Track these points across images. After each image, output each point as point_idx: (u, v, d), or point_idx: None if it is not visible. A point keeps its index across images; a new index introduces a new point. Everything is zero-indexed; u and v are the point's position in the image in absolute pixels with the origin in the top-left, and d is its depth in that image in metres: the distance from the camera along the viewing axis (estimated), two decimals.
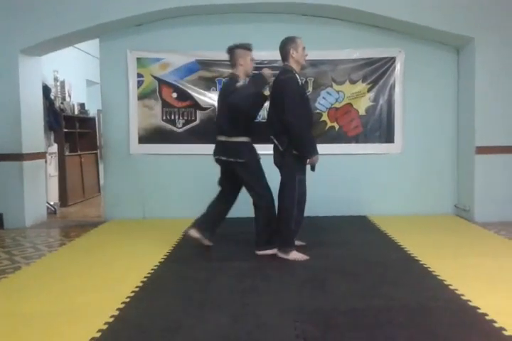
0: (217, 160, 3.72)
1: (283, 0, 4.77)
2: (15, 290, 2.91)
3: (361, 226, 4.76)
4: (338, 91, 5.21)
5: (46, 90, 5.76)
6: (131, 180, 5.26)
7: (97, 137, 7.73)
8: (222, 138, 3.65)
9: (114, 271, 3.29)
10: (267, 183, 3.61)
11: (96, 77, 6.01)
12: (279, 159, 3.54)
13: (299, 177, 3.50)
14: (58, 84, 6.71)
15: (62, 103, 6.66)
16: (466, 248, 3.84)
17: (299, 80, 3.51)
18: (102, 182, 7.14)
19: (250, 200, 3.65)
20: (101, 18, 4.81)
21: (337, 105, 5.23)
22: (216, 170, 5.00)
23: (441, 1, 4.79)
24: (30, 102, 5.09)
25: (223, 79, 5.19)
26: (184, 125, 5.25)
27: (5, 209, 4.93)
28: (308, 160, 3.48)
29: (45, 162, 5.68)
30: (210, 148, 5.12)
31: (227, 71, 5.14)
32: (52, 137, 6.09)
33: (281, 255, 3.51)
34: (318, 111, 5.17)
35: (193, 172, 5.24)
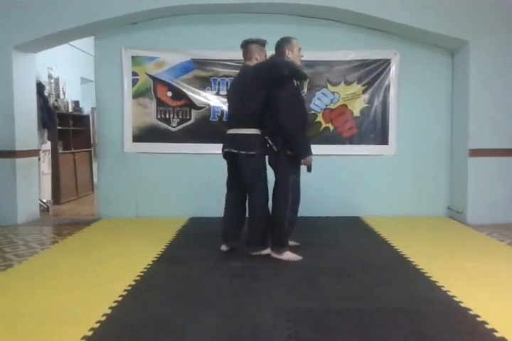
0: (227, 154, 3.59)
1: (279, 0, 4.77)
2: (6, 288, 2.90)
3: (355, 227, 4.77)
4: (333, 93, 5.23)
5: (40, 87, 5.72)
6: (124, 179, 5.24)
7: (91, 135, 7.70)
8: (235, 131, 3.54)
9: (107, 270, 3.27)
10: (266, 183, 3.58)
11: (90, 74, 5.99)
12: (273, 159, 3.54)
13: (293, 177, 3.50)
14: (52, 81, 6.68)
15: (56, 100, 6.63)
16: (459, 249, 3.86)
17: (294, 81, 3.51)
18: (95, 180, 7.12)
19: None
20: (96, 16, 4.79)
21: (332, 106, 5.24)
22: (210, 169, 5.04)
23: (437, 4, 4.81)
24: (23, 99, 5.06)
25: (218, 79, 5.20)
26: (179, 124, 5.24)
27: None
28: (302, 161, 3.48)
29: (39, 159, 5.65)
30: (204, 148, 5.21)
31: (223, 70, 5.18)
32: (45, 134, 6.05)
33: (274, 255, 3.51)
34: (313, 111, 5.17)
35: (187, 171, 5.24)
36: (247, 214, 3.67)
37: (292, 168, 3.50)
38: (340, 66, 5.20)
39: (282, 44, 3.57)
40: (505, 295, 2.76)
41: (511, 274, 3.18)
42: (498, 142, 4.92)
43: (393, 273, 3.19)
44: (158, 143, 5.24)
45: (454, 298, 2.67)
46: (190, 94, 5.20)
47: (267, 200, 3.58)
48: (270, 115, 3.47)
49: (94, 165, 6.93)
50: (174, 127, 5.24)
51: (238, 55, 4.86)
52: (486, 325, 2.30)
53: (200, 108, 5.22)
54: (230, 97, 3.75)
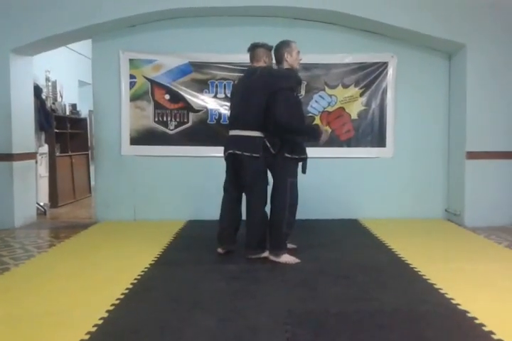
0: (229, 156, 3.56)
1: (277, 4, 4.78)
2: (3, 292, 2.88)
3: (352, 229, 4.77)
4: (330, 95, 5.23)
5: (37, 90, 5.72)
6: (122, 182, 5.24)
7: (89, 138, 7.69)
8: (238, 133, 3.52)
9: (104, 273, 3.26)
10: (266, 185, 3.57)
11: (88, 77, 5.98)
12: (271, 162, 3.54)
13: (291, 180, 3.50)
14: (50, 84, 6.68)
15: (53, 103, 6.63)
16: (456, 252, 3.86)
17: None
18: (92, 183, 7.10)
19: (243, 203, 3.65)
20: (94, 19, 4.79)
21: (329, 109, 5.25)
22: (208, 172, 5.05)
23: (434, 8, 4.83)
24: (21, 102, 5.05)
25: (216, 82, 5.20)
26: (176, 127, 5.24)
27: None
28: (320, 140, 3.60)
29: (36, 162, 5.64)
30: (202, 150, 5.22)
31: (220, 73, 5.18)
32: (43, 137, 6.04)
33: (272, 258, 3.51)
34: (310, 114, 5.18)
35: (184, 174, 5.23)
36: (243, 217, 3.67)
37: (290, 171, 3.50)
38: (338, 69, 5.22)
39: (281, 47, 3.57)
40: (502, 297, 2.76)
41: (509, 276, 3.18)
42: (495, 144, 4.94)
43: (391, 276, 3.19)
44: (155, 146, 5.24)
45: (452, 301, 2.67)
46: (187, 97, 5.20)
47: (266, 202, 3.58)
48: (268, 117, 3.48)
49: (92, 168, 6.92)
50: (172, 130, 5.24)
51: (236, 57, 4.93)
52: (484, 328, 2.30)
53: (197, 111, 5.22)
54: (235, 98, 3.72)
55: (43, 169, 6.31)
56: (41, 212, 5.76)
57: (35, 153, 5.63)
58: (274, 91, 3.42)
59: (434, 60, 5.25)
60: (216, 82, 5.21)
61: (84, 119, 7.70)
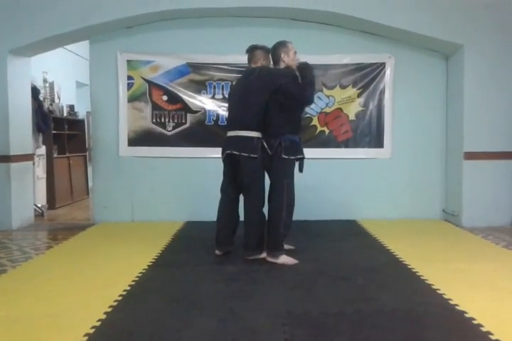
0: (227, 156, 3.55)
1: (274, 5, 4.79)
2: (0, 294, 2.87)
3: (350, 230, 4.77)
4: (328, 96, 5.24)
5: (35, 91, 5.70)
6: (120, 183, 5.23)
7: (86, 139, 7.68)
8: (236, 133, 3.51)
9: (102, 275, 3.25)
10: (263, 186, 3.56)
11: (86, 78, 5.98)
12: (268, 163, 3.54)
13: (288, 180, 3.50)
14: (47, 85, 6.67)
15: (51, 104, 6.62)
16: (454, 252, 3.86)
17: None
18: (90, 184, 7.09)
19: (240, 204, 3.65)
20: (91, 20, 4.78)
21: (327, 110, 5.25)
22: (206, 173, 5.04)
23: (431, 8, 4.83)
24: (18, 103, 5.04)
25: (213, 83, 5.20)
26: (174, 128, 5.23)
27: None
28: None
29: (33, 164, 5.62)
30: (200, 151, 5.21)
31: (218, 74, 5.18)
32: (40, 139, 6.03)
33: (270, 259, 3.51)
34: (308, 115, 5.18)
35: (182, 175, 5.23)
36: (241, 218, 3.67)
37: (287, 171, 3.50)
38: (335, 70, 5.22)
39: (278, 48, 3.58)
40: (500, 297, 2.77)
41: (507, 276, 3.18)
42: (493, 145, 4.94)
43: (389, 276, 3.19)
44: (153, 147, 5.23)
45: (450, 301, 2.67)
46: (185, 98, 5.20)
47: (264, 203, 3.57)
48: (265, 118, 3.49)
49: (89, 170, 6.91)
50: (170, 131, 5.24)
51: (234, 58, 4.94)
52: (482, 328, 2.30)
53: (195, 112, 5.22)
54: (232, 99, 3.72)
55: (40, 170, 6.30)
56: (39, 214, 5.75)
57: (33, 154, 5.61)
58: (275, 88, 3.42)
59: (431, 60, 5.26)
60: (214, 83, 5.20)
61: (82, 120, 7.70)
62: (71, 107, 7.35)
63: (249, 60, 3.70)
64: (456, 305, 2.61)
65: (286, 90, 3.43)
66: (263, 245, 3.56)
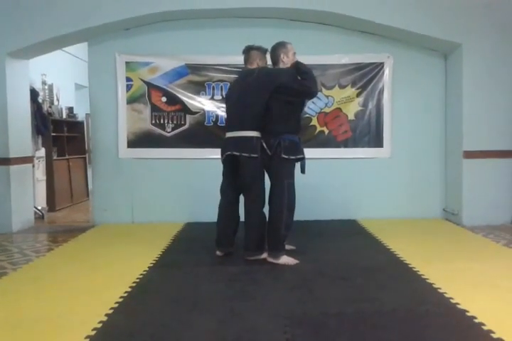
0: (227, 157, 3.54)
1: (272, 5, 4.79)
2: (1, 296, 2.87)
3: (351, 230, 4.77)
4: (327, 96, 5.24)
5: (34, 94, 5.70)
6: (119, 185, 5.23)
7: (86, 141, 7.68)
8: (236, 134, 3.51)
9: (103, 277, 3.25)
10: (264, 186, 3.56)
11: (84, 80, 5.98)
12: (267, 163, 3.54)
13: (288, 181, 3.50)
14: (46, 87, 6.66)
15: (50, 107, 6.62)
16: (455, 251, 3.86)
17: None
18: (90, 186, 7.09)
19: (241, 205, 3.64)
20: (90, 22, 4.79)
21: (326, 110, 5.25)
22: (206, 174, 5.03)
23: (429, 7, 4.84)
24: (17, 106, 5.04)
25: (212, 84, 5.20)
26: (173, 129, 5.23)
27: None
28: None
29: (33, 166, 5.62)
30: (199, 152, 5.21)
31: (217, 75, 5.19)
32: (39, 141, 6.03)
33: (270, 259, 3.50)
34: (307, 115, 5.18)
35: (182, 176, 5.23)
36: (241, 219, 3.67)
37: (287, 172, 3.50)
38: (334, 70, 5.22)
39: (277, 48, 3.58)
40: (502, 296, 2.76)
41: (508, 275, 3.18)
42: (492, 143, 4.95)
43: (390, 276, 3.19)
44: (153, 148, 5.23)
45: (451, 300, 2.67)
46: (184, 99, 5.20)
47: (264, 203, 3.57)
48: (264, 118, 3.49)
49: (89, 172, 6.91)
50: (169, 132, 5.23)
51: (232, 59, 4.93)
52: (484, 327, 2.30)
53: (194, 113, 5.22)
54: (231, 100, 3.71)
55: (40, 173, 6.30)
56: (39, 216, 5.75)
57: (32, 156, 5.61)
58: (276, 87, 3.41)
59: (430, 59, 5.26)
60: (213, 84, 5.20)
61: (81, 122, 7.70)
62: (70, 109, 7.35)
63: (246, 60, 3.71)
64: (457, 303, 2.61)
65: (288, 87, 3.43)
66: (264, 246, 3.56)
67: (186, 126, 5.23)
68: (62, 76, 7.26)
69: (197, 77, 5.20)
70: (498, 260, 3.57)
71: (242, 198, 3.65)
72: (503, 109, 4.94)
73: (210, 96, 5.21)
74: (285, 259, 3.48)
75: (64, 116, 7.07)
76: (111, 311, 2.55)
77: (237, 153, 3.47)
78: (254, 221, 3.54)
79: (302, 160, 3.57)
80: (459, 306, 2.57)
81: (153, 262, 3.57)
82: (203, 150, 5.13)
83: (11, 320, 2.47)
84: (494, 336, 2.19)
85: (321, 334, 2.25)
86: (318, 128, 5.26)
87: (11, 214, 4.93)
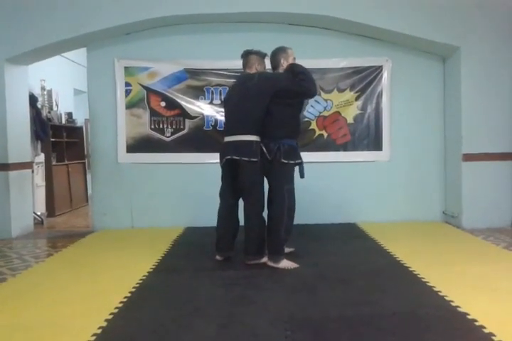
0: (227, 161, 3.54)
1: (271, 10, 4.81)
2: (0, 302, 2.86)
3: (351, 233, 4.76)
4: (326, 100, 5.25)
5: (33, 99, 5.71)
6: (119, 190, 5.22)
7: (85, 146, 7.68)
8: (235, 138, 3.51)
9: (102, 282, 3.24)
10: (263, 190, 3.56)
11: (83, 86, 5.99)
12: (267, 167, 3.54)
13: (288, 185, 3.50)
14: (45, 93, 6.67)
15: (49, 112, 6.62)
16: (455, 254, 3.86)
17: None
18: (89, 191, 7.09)
19: (240, 209, 3.64)
20: (88, 27, 4.80)
21: (325, 113, 5.26)
22: (205, 179, 5.03)
23: (427, 11, 4.86)
24: (16, 112, 5.05)
25: (211, 88, 5.21)
26: (173, 134, 5.24)
27: None
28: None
29: (32, 172, 5.62)
30: (199, 157, 5.21)
31: (216, 80, 5.20)
32: (39, 146, 6.03)
33: (271, 263, 3.50)
34: (306, 119, 5.19)
35: (181, 181, 5.23)
36: (240, 223, 3.66)
37: (286, 176, 3.50)
38: (333, 73, 5.23)
39: (277, 53, 3.59)
40: (502, 298, 2.76)
41: (508, 277, 3.18)
42: (491, 146, 4.95)
43: (390, 279, 3.18)
44: (152, 153, 5.23)
45: (451, 303, 2.67)
46: (183, 103, 5.21)
47: (263, 207, 3.57)
48: (264, 122, 3.49)
49: (88, 177, 6.90)
50: (168, 137, 5.24)
51: (231, 64, 4.95)
52: (484, 329, 2.29)
53: (193, 117, 5.23)
54: (230, 104, 3.70)
55: (39, 178, 6.30)
56: (38, 222, 5.74)
57: (32, 162, 5.62)
58: (276, 91, 3.43)
59: (428, 63, 5.28)
60: (212, 89, 5.22)
61: (80, 128, 7.70)
62: (69, 115, 7.36)
63: (244, 65, 3.72)
64: (458, 306, 2.60)
65: (289, 90, 3.45)
66: (263, 250, 3.55)
67: (185, 131, 5.24)
68: (61, 81, 7.28)
69: (196, 82, 5.21)
70: (498, 263, 3.57)
71: (241, 202, 3.65)
72: (502, 111, 4.95)
73: (209, 101, 5.22)
74: (285, 263, 3.48)
75: (63, 122, 7.08)
76: (111, 316, 2.54)
77: (237, 157, 3.47)
78: (253, 225, 3.53)
79: (300, 164, 3.57)
80: (459, 309, 2.57)
81: (153, 267, 3.56)
82: (202, 154, 5.13)
83: (10, 326, 2.46)
84: (495, 339, 2.18)
85: (322, 337, 2.25)
86: (317, 132, 5.27)
87: (11, 219, 4.92)
